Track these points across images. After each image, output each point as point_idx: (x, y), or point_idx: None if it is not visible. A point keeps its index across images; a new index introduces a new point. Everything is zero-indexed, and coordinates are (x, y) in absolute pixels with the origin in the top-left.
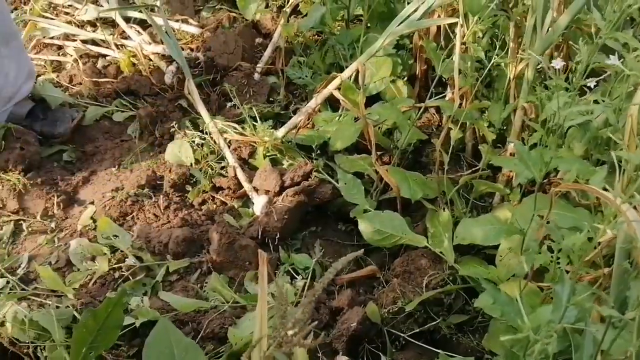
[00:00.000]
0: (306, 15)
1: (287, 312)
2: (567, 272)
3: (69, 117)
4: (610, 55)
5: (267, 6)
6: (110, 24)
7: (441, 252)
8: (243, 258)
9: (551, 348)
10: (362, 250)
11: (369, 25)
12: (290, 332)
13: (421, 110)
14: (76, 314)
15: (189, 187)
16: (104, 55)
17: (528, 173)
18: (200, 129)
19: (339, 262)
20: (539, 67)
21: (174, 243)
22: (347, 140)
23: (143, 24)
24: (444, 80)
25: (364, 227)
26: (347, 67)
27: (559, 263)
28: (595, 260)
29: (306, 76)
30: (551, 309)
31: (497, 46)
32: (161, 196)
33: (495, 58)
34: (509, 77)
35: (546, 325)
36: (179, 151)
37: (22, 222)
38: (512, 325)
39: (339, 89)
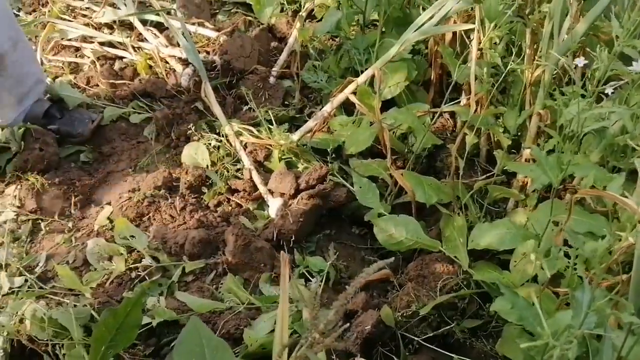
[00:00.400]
0: (321, 19)
1: (318, 314)
2: (583, 278)
3: (87, 118)
4: (634, 62)
5: (282, 10)
6: (128, 26)
7: (455, 257)
8: (258, 260)
9: (571, 354)
10: (378, 254)
11: (384, 30)
12: (318, 335)
13: (437, 115)
14: (93, 313)
15: (204, 189)
16: (121, 58)
17: (545, 178)
18: (217, 131)
19: (370, 268)
20: (554, 73)
21: (190, 244)
22: (362, 144)
23: (160, 27)
24: (458, 85)
25: (378, 230)
26: (362, 71)
27: (575, 269)
28: (612, 267)
29: (321, 80)
30: (570, 315)
31: (514, 52)
32: (177, 197)
33: (511, 64)
34: (525, 83)
35: (565, 331)
36: (195, 153)
37: (40, 221)
38: (528, 330)
39: (354, 93)
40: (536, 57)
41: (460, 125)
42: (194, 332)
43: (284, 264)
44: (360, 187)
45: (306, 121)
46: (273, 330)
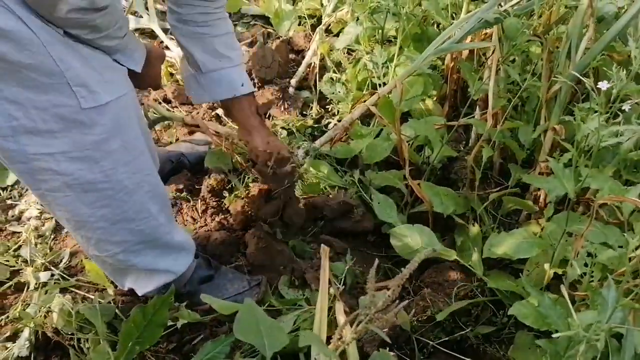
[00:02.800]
0: (338, 34)
1: (375, 294)
2: (609, 277)
3: None
4: None
5: (300, 24)
6: (149, 34)
7: (470, 265)
8: (278, 262)
9: (600, 344)
10: (393, 261)
11: (401, 46)
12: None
13: (454, 128)
14: (117, 312)
15: (225, 193)
16: None
17: (561, 189)
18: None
19: (406, 268)
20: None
21: (212, 245)
22: (380, 154)
23: None
24: (473, 100)
25: (394, 239)
26: (379, 85)
27: (592, 275)
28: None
29: (339, 92)
30: (592, 315)
31: (531, 70)
32: (199, 200)
33: (528, 81)
34: (541, 99)
35: (593, 326)
36: (218, 158)
37: None
38: (542, 333)
39: (374, 105)
40: (552, 75)
41: (474, 139)
42: (250, 314)
43: (325, 256)
44: (379, 203)
45: (323, 131)
46: (293, 331)
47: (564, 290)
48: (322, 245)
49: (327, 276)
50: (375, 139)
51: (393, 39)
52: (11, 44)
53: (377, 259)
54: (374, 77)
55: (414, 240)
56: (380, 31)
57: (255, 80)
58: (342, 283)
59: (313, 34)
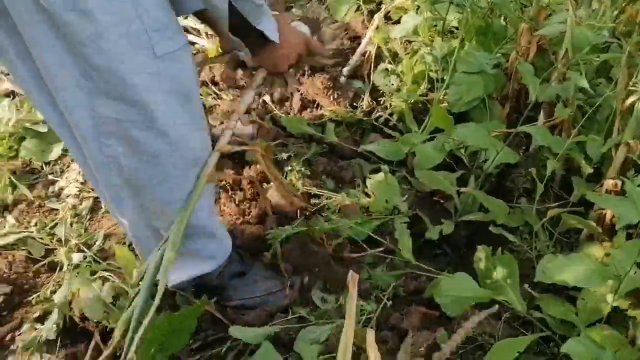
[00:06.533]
0: (398, 21)
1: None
2: None
3: None
4: None
5: (357, 9)
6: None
7: (507, 303)
8: (312, 263)
9: None
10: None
11: (463, 39)
12: None
13: (511, 135)
14: None
15: (265, 186)
16: (193, 43)
17: (635, 216)
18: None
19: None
20: None
21: (246, 239)
22: (432, 162)
23: None
24: (537, 102)
25: (438, 298)
26: (437, 79)
27: None
28: None
29: (392, 84)
30: None
31: (605, 75)
32: (238, 192)
33: (600, 88)
34: (615, 109)
35: None
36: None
37: (100, 199)
38: None
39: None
40: (630, 84)
41: (535, 146)
42: (268, 355)
43: (352, 285)
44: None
45: (374, 125)
46: (323, 342)
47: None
48: (351, 272)
49: (354, 306)
50: (427, 144)
51: (455, 30)
52: None
53: None
54: (431, 70)
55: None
56: (441, 22)
57: (306, 68)
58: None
59: (368, 18)
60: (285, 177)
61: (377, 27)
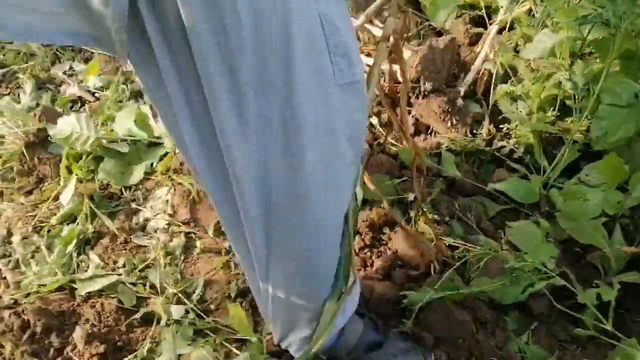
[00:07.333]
0: (504, 29)
1: None
2: None
3: None
4: None
5: (459, 15)
6: None
7: None
8: (457, 334)
9: None
10: None
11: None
12: None
13: None
14: None
15: (386, 230)
16: None
17: None
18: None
19: None
20: None
21: (375, 301)
22: (591, 212)
23: None
24: None
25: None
26: (576, 109)
27: None
28: None
29: (520, 111)
30: None
31: None
32: (356, 236)
33: None
34: None
35: None
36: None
37: (192, 235)
38: None
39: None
40: None
41: None
42: None
43: None
44: None
45: (494, 156)
46: None
47: None
48: None
49: None
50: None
51: (593, 52)
52: None
53: None
54: (567, 98)
55: None
56: (580, 42)
57: (423, 89)
58: None
59: (471, 27)
60: (411, 222)
61: (497, 43)
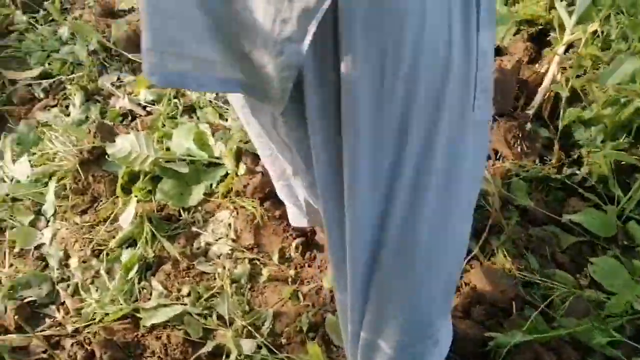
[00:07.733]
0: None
1: None
2: None
3: None
4: None
5: (517, 32)
6: None
7: None
8: None
9: None
10: None
11: None
12: None
13: None
14: None
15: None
16: None
17: None
18: None
19: None
20: None
21: (457, 341)
22: None
23: None
24: None
25: None
26: None
27: None
28: None
29: (595, 138)
30: None
31: None
32: None
33: None
34: None
35: None
36: None
37: (257, 261)
38: None
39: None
40: None
41: None
42: None
43: None
44: None
45: (564, 184)
46: None
47: None
48: None
49: None
50: None
51: None
52: None
53: None
54: None
55: None
56: None
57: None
58: None
59: (530, 44)
60: (489, 255)
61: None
